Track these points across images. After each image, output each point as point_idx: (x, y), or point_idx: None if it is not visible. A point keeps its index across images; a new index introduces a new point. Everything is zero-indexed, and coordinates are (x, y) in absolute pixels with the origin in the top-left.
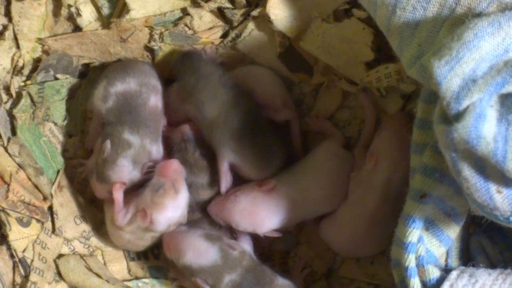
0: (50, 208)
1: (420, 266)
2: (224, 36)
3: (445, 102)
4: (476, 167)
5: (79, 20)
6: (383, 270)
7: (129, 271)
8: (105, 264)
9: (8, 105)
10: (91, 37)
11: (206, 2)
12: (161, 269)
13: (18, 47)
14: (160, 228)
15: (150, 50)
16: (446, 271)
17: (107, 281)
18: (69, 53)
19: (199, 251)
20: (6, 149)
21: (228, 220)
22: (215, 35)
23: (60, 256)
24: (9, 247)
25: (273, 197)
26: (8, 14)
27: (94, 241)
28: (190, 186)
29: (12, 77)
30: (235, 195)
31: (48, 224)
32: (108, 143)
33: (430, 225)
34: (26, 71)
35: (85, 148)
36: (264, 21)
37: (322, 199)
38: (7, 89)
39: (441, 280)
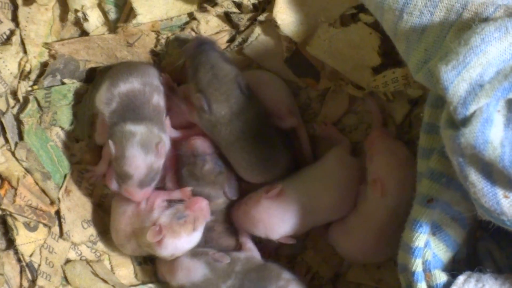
0: (58, 212)
1: (427, 270)
2: (231, 40)
3: (452, 107)
4: (483, 172)
5: (86, 25)
6: (390, 275)
7: (136, 275)
8: (112, 268)
9: (15, 110)
10: (97, 41)
11: (212, 6)
12: None
13: (25, 52)
14: (163, 252)
15: (156, 54)
16: (453, 276)
17: (114, 286)
18: (75, 58)
19: (188, 269)
20: (13, 153)
21: (243, 228)
22: (222, 40)
23: (67, 261)
24: (16, 252)
25: (281, 202)
26: (15, 19)
27: (101, 245)
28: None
29: (19, 82)
30: (245, 203)
31: (55, 229)
32: (110, 143)
33: (437, 229)
34: (33, 76)
35: (93, 152)
36: (270, 26)
37: (331, 205)
38: (14, 94)
39: (448, 285)
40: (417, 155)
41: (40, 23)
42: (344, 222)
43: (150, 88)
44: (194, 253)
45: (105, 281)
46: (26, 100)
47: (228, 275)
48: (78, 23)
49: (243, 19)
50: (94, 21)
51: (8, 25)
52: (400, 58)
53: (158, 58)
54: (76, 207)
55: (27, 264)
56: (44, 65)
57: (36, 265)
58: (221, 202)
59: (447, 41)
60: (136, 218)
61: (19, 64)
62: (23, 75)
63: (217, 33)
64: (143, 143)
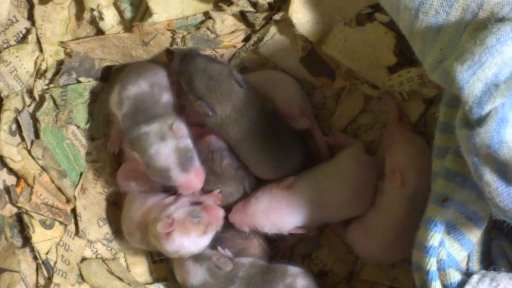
0: (73, 210)
1: (441, 270)
2: (246, 40)
3: (467, 107)
4: (498, 172)
5: (101, 24)
6: (404, 274)
7: (151, 273)
8: (127, 266)
9: (31, 108)
10: (113, 40)
11: (228, 6)
12: None
13: (41, 50)
14: (168, 247)
15: (172, 53)
16: (467, 275)
17: (129, 284)
18: (91, 56)
19: (188, 272)
20: (29, 152)
21: (253, 223)
22: (237, 39)
23: (83, 259)
24: (32, 249)
25: (292, 193)
26: (31, 17)
27: (117, 243)
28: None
29: (35, 81)
30: (255, 197)
31: (71, 227)
32: (135, 154)
33: (452, 229)
34: (49, 75)
35: (108, 151)
36: (286, 25)
37: (342, 204)
38: (30, 92)
39: (462, 284)
40: (432, 155)
41: (56, 22)
42: (362, 220)
43: (159, 88)
44: (197, 257)
45: (120, 279)
46: (42, 99)
47: (231, 280)
48: (93, 21)
49: (258, 18)
50: (110, 20)
51: (24, 23)
52: (416, 57)
53: (173, 57)
54: (92, 205)
55: (43, 262)
56: (60, 63)
57: (52, 263)
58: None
59: (462, 41)
60: (154, 209)
61: (35, 62)
62: (39, 73)
63: (232, 32)
64: (160, 135)
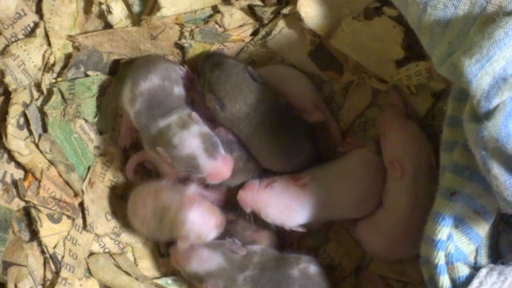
0: (81, 204)
1: (449, 263)
2: (254, 34)
3: (475, 101)
4: (506, 165)
5: (109, 18)
6: (412, 268)
7: (159, 267)
8: (135, 260)
9: (39, 102)
10: (121, 34)
11: (236, 0)
12: None
13: (49, 44)
14: (185, 220)
15: (180, 47)
16: (476, 268)
17: (136, 279)
18: (99, 50)
19: (202, 258)
20: (37, 145)
21: (260, 210)
22: (245, 33)
23: (90, 254)
24: (40, 243)
25: (305, 192)
26: (39, 11)
27: (125, 237)
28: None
29: (43, 74)
30: (271, 186)
31: (79, 221)
32: (159, 149)
33: (460, 222)
34: (57, 68)
35: (116, 144)
36: (294, 19)
37: (349, 205)
38: (38, 86)
39: (470, 277)
40: (440, 149)
41: (64, 16)
42: (370, 218)
43: (169, 81)
44: (210, 244)
45: (128, 274)
46: (50, 92)
47: (246, 266)
48: (102, 15)
49: (266, 12)
50: (118, 13)
51: (32, 17)
52: (424, 51)
53: (182, 51)
54: (100, 199)
55: (50, 256)
56: (68, 57)
57: (59, 257)
58: None
59: (470, 35)
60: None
61: (43, 56)
62: (47, 67)
63: (240, 26)
64: (181, 124)
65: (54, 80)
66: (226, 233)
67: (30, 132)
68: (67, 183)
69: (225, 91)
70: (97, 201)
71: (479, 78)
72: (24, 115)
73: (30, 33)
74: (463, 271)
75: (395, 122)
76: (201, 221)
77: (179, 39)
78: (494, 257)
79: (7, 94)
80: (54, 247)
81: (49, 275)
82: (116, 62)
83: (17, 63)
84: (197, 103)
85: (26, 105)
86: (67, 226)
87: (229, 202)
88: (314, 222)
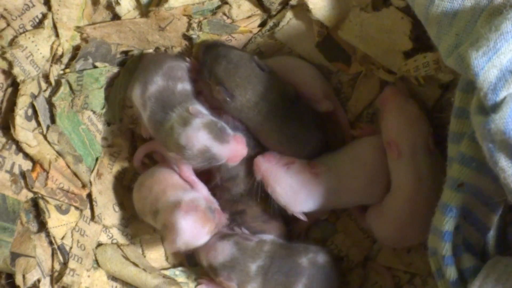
0: (89, 195)
1: (457, 255)
2: (262, 25)
3: (482, 93)
4: None
5: (117, 9)
6: (420, 259)
7: (167, 258)
8: (143, 251)
9: (47, 93)
10: (129, 25)
11: None
12: (198, 257)
13: (57, 35)
14: (178, 226)
15: (188, 38)
16: (483, 260)
17: (144, 270)
18: (107, 41)
19: (216, 250)
20: (45, 137)
21: (269, 184)
22: (253, 24)
23: (98, 245)
24: (48, 234)
25: (317, 181)
26: (47, 2)
27: (133, 228)
28: (236, 175)
29: (51, 65)
30: (288, 167)
31: (87, 212)
32: (171, 155)
33: (467, 214)
34: (65, 59)
35: (124, 135)
36: (302, 10)
37: (358, 189)
38: (46, 77)
39: (477, 268)
40: (448, 140)
41: (72, 7)
42: (378, 205)
43: (173, 80)
44: (222, 235)
45: (135, 265)
46: (58, 84)
47: (257, 254)
48: (110, 6)
49: (274, 3)
50: (126, 5)
51: (41, 8)
52: (432, 42)
53: (190, 42)
54: (108, 190)
55: (58, 247)
56: (76, 48)
57: (67, 248)
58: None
59: (478, 26)
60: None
61: (51, 47)
62: (55, 58)
63: (248, 17)
64: (181, 122)
65: (62, 72)
66: (235, 223)
67: (38, 123)
68: (75, 174)
69: (235, 82)
70: (105, 192)
71: (486, 71)
72: (32, 106)
73: (38, 24)
74: (470, 262)
75: (393, 102)
76: (192, 230)
77: (187, 30)
78: (501, 248)
79: (15, 85)
80: (62, 238)
81: (57, 266)
82: (124, 54)
83: (25, 54)
84: (204, 94)
85: (34, 96)
86: (75, 217)
87: (239, 192)
88: (319, 211)
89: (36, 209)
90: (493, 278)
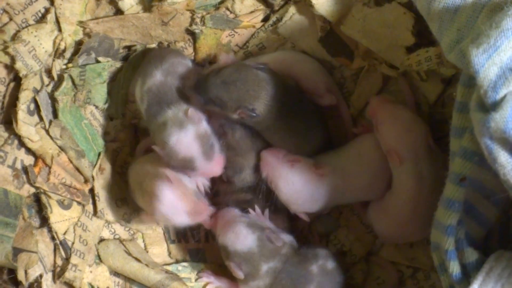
0: (91, 190)
1: (459, 249)
2: (265, 20)
3: (482, 91)
4: None
5: (120, 4)
6: (422, 253)
7: (170, 253)
8: (145, 247)
9: (50, 88)
10: (132, 20)
11: None
12: (201, 252)
13: (60, 30)
14: (157, 196)
15: (191, 33)
16: (486, 254)
17: (147, 265)
18: (110, 36)
19: (237, 236)
20: (47, 131)
21: (273, 181)
22: (256, 19)
23: (101, 240)
24: (50, 230)
25: (322, 183)
26: None
27: (135, 223)
28: (240, 170)
29: (54, 60)
30: (293, 165)
31: (89, 207)
32: (155, 148)
33: (470, 208)
34: (67, 54)
35: (127, 130)
36: (305, 5)
37: (361, 186)
38: (49, 72)
39: (480, 262)
40: (450, 134)
41: (75, 1)
42: (380, 201)
43: (172, 76)
44: (251, 223)
45: (138, 260)
46: (60, 78)
47: (273, 256)
48: (113, 1)
49: None
50: None
51: (43, 3)
52: (434, 37)
53: (193, 37)
54: (110, 185)
55: (60, 242)
56: (79, 43)
57: (70, 243)
58: None
59: (479, 22)
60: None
61: (54, 42)
62: (57, 53)
63: (251, 12)
64: (176, 123)
65: (64, 66)
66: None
67: (41, 118)
68: (78, 169)
69: (251, 96)
70: (107, 187)
71: (486, 68)
72: (35, 101)
73: (41, 19)
74: (473, 256)
75: (385, 112)
76: (170, 202)
77: (190, 25)
78: (504, 242)
79: (18, 80)
80: (64, 233)
81: (59, 262)
82: (127, 49)
83: (27, 49)
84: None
85: (36, 91)
86: (77, 212)
87: (245, 183)
88: (322, 210)
89: (38, 204)
90: (497, 272)
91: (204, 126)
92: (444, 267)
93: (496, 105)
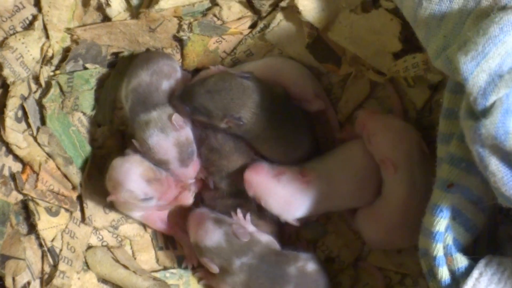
0: (79, 197)
1: (448, 255)
2: (253, 26)
3: (472, 98)
4: (504, 161)
5: (108, 10)
6: (410, 259)
7: (157, 260)
8: (133, 253)
9: (37, 95)
10: (120, 27)
11: None
12: None
13: (47, 37)
14: (119, 161)
15: (178, 40)
16: (474, 259)
17: (134, 272)
18: (98, 43)
19: (206, 232)
20: (35, 138)
21: (261, 198)
22: (244, 26)
23: (88, 247)
24: (38, 237)
25: (308, 188)
26: (37, 4)
27: (123, 230)
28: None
29: (41, 67)
30: (279, 178)
31: (77, 214)
32: (134, 142)
33: (457, 214)
34: (55, 61)
35: (114, 137)
36: (292, 12)
37: (349, 193)
38: (36, 78)
39: (469, 268)
40: (437, 141)
41: (62, 8)
42: (370, 207)
43: (158, 76)
44: (218, 219)
45: (126, 267)
46: (48, 85)
47: (244, 252)
48: (100, 8)
49: (265, 5)
50: (117, 6)
51: (31, 10)
52: (421, 44)
53: (180, 44)
54: (98, 192)
55: (48, 249)
56: (67, 50)
57: (57, 250)
58: None
59: (465, 29)
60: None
61: (41, 49)
62: (45, 60)
63: (239, 18)
64: (160, 125)
65: (52, 73)
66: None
67: (28, 125)
68: (65, 176)
69: (237, 105)
70: (95, 194)
71: (475, 76)
72: (22, 108)
73: (29, 26)
74: (462, 262)
75: (375, 123)
76: (123, 168)
77: (178, 32)
78: (492, 248)
79: (5, 87)
80: (52, 240)
81: (47, 269)
82: (114, 55)
83: (15, 56)
84: None
85: (24, 98)
86: (65, 219)
87: (234, 186)
88: (312, 215)
89: (26, 211)
90: (487, 278)
91: (186, 133)
92: (433, 273)
93: (486, 112)
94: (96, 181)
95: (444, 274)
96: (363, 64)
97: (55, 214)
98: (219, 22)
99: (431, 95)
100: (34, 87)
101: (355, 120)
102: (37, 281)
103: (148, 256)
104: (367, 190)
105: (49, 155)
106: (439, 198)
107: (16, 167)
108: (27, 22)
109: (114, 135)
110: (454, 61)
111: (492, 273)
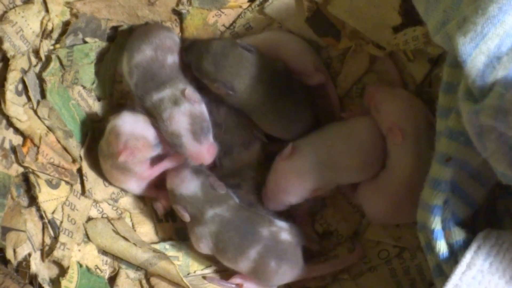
0: (80, 170)
1: (446, 228)
2: (252, 0)
3: (470, 80)
4: (501, 140)
5: None
6: (409, 233)
7: (157, 233)
8: (133, 226)
9: (37, 69)
10: (119, 0)
11: None
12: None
13: (47, 10)
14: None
15: (178, 13)
16: (473, 233)
17: (134, 244)
18: (97, 17)
19: (182, 180)
20: (35, 112)
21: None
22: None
23: (89, 219)
24: (38, 209)
25: (295, 159)
26: None
27: (123, 203)
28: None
29: (41, 41)
30: (268, 180)
31: (77, 186)
32: (152, 120)
33: (456, 188)
34: (55, 35)
35: (114, 110)
36: None
37: (353, 167)
38: (36, 52)
39: (467, 241)
40: (436, 115)
41: None
42: (373, 181)
43: (162, 51)
44: (197, 170)
45: (126, 239)
46: (48, 59)
47: (219, 203)
48: None
49: None
50: None
51: None
52: (421, 17)
53: (179, 17)
54: (98, 165)
55: (49, 221)
56: (66, 24)
57: (58, 222)
58: (257, 149)
59: (464, 3)
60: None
61: (41, 23)
62: (45, 34)
63: None
64: (173, 100)
65: (52, 47)
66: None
67: (29, 98)
68: (66, 149)
69: (229, 73)
70: (95, 167)
71: (474, 58)
72: (23, 82)
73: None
74: (460, 235)
75: (383, 92)
76: (128, 120)
77: (177, 5)
78: (491, 222)
79: (6, 60)
80: (53, 213)
81: (47, 240)
82: (114, 29)
83: (15, 30)
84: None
85: (24, 72)
86: (65, 191)
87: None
88: (324, 185)
89: (27, 183)
90: (485, 251)
91: (200, 108)
92: (431, 247)
93: (484, 94)
94: (96, 154)
95: (442, 247)
96: (362, 38)
97: (55, 186)
98: None
99: (430, 69)
100: (34, 60)
101: (365, 93)
102: (38, 253)
103: (147, 228)
104: (372, 164)
105: (49, 128)
106: (438, 171)
107: (17, 140)
108: None
109: (114, 109)
110: (453, 40)
111: (491, 246)
